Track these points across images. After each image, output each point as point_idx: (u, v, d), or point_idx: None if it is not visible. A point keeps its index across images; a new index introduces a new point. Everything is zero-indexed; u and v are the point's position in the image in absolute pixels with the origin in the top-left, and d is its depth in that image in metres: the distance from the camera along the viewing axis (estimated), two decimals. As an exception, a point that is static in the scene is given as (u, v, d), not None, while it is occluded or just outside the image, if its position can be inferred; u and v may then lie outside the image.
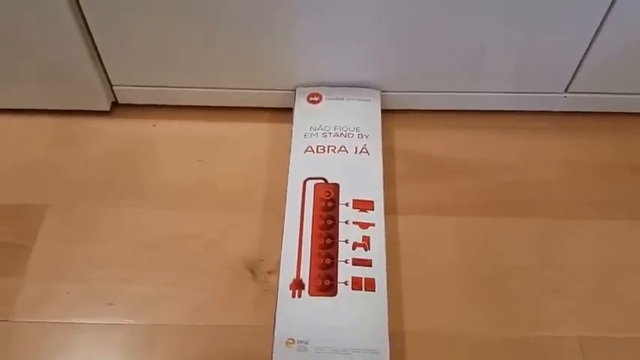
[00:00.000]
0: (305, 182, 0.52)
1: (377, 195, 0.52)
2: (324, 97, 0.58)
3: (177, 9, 0.51)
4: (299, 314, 0.46)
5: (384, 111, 0.58)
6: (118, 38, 0.54)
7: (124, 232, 0.52)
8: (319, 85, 0.58)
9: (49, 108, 0.59)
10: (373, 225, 0.50)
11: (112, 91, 0.59)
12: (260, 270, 0.50)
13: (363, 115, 0.57)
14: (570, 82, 0.57)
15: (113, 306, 0.48)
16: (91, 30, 0.53)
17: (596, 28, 0.52)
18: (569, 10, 0.50)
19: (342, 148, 0.55)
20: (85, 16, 0.51)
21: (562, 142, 0.59)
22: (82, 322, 0.48)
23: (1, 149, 0.58)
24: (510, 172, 0.57)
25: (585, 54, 0.54)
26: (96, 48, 0.54)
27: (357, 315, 0.46)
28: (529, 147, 0.59)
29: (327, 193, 0.52)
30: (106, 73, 0.57)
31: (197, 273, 0.50)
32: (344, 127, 0.56)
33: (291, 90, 0.59)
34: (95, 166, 0.57)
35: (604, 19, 0.51)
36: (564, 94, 0.58)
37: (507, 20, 0.51)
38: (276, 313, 0.46)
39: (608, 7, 0.50)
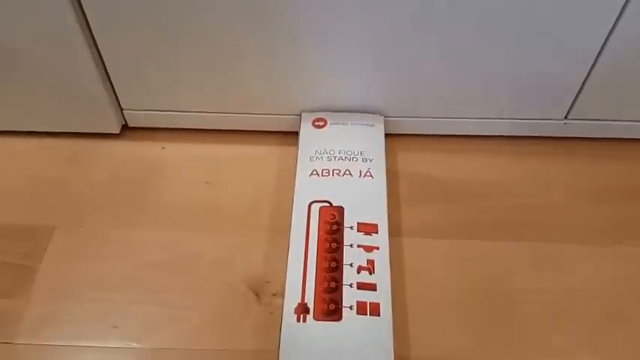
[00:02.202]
0: (310, 205, 0.50)
1: (381, 218, 0.49)
2: (328, 121, 0.56)
3: (187, 35, 0.49)
4: (304, 339, 0.42)
5: (387, 135, 0.55)
6: (129, 63, 0.52)
7: (130, 253, 0.49)
8: (324, 111, 0.56)
9: (59, 130, 0.57)
10: (377, 248, 0.47)
11: (122, 114, 0.57)
12: (265, 292, 0.47)
13: (367, 140, 0.54)
14: (570, 108, 0.55)
15: (118, 329, 0.45)
16: (102, 54, 0.51)
17: (595, 55, 0.50)
18: (569, 37, 0.48)
19: (347, 172, 0.52)
20: (96, 40, 0.49)
21: (565, 167, 0.56)
22: (86, 345, 0.44)
23: (12, 170, 0.56)
24: (514, 196, 0.54)
25: (585, 81, 0.52)
26: (107, 72, 0.52)
27: (362, 341, 0.42)
28: (532, 171, 0.56)
29: (332, 217, 0.49)
30: (116, 96, 0.55)
31: (202, 295, 0.47)
32: (348, 151, 0.53)
33: (297, 115, 0.56)
34: (104, 188, 0.54)
35: (603, 45, 0.49)
36: (564, 121, 0.56)
37: (508, 48, 0.49)
38: (281, 338, 0.42)
39: (607, 33, 0.48)
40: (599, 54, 0.49)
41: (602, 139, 0.57)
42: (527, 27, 0.48)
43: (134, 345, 0.44)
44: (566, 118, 0.56)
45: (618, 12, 0.46)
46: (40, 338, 0.45)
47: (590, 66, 0.51)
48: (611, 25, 0.47)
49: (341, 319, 0.43)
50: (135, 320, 0.46)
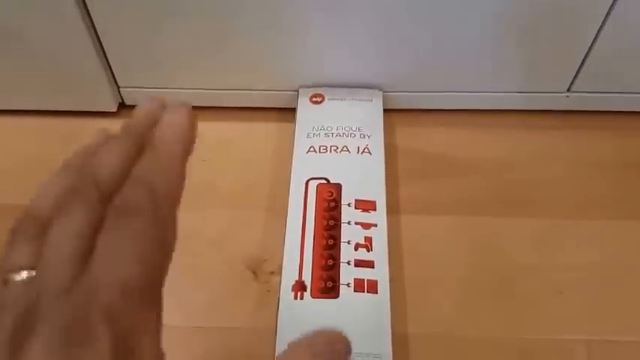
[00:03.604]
0: (307, 182, 0.48)
1: (379, 195, 0.47)
2: (326, 97, 0.54)
3: (184, 11, 0.47)
4: (301, 317, 0.41)
5: (386, 110, 0.53)
6: (125, 40, 0.50)
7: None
8: (322, 86, 0.54)
9: (54, 109, 0.55)
10: (375, 225, 0.46)
11: (119, 92, 0.55)
12: (262, 271, 0.46)
13: (365, 115, 0.53)
14: (573, 81, 0.53)
15: (115, 307, 0.44)
16: (98, 31, 0.49)
17: (598, 27, 0.48)
18: (571, 9, 0.46)
19: (345, 148, 0.50)
20: (92, 17, 0.48)
21: (567, 141, 0.54)
22: (83, 323, 0.44)
23: (6, 150, 0.54)
24: (515, 171, 0.52)
25: (587, 53, 0.50)
26: (103, 49, 0.51)
27: (359, 318, 0.42)
28: (533, 145, 0.54)
29: (330, 194, 0.47)
30: (112, 74, 0.53)
31: (198, 273, 0.46)
32: (346, 127, 0.52)
33: (294, 90, 0.55)
34: (100, 167, 0.53)
35: (606, 17, 0.47)
36: (567, 94, 0.54)
37: (509, 20, 0.47)
38: (278, 316, 0.41)
39: (610, 5, 0.46)
40: (601, 25, 0.47)
41: (606, 113, 0.55)
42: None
43: (132, 323, 0.44)
44: (568, 90, 0.54)
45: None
46: (38, 317, 0.44)
47: (592, 37, 0.49)
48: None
49: (338, 296, 0.42)
50: (132, 299, 0.45)
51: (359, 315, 0.42)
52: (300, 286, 0.43)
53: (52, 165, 0.54)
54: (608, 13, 0.46)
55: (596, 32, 0.48)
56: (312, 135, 0.51)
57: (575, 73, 0.52)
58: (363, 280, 0.43)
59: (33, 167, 0.53)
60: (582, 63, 0.51)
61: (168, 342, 0.42)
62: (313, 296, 0.42)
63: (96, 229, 0.20)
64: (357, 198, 0.47)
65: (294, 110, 0.54)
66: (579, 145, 0.54)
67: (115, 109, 0.56)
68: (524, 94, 0.54)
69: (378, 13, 0.48)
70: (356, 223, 0.46)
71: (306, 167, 0.49)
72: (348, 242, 0.45)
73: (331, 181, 0.48)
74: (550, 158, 0.53)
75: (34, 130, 0.55)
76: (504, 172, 0.52)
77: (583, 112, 0.55)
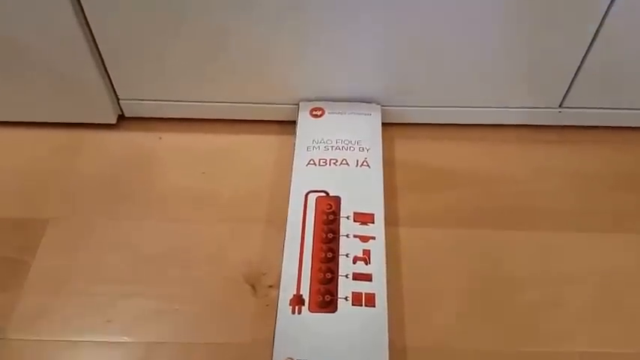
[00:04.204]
0: (307, 195, 0.48)
1: (377, 208, 0.47)
2: (326, 111, 0.54)
3: (184, 24, 0.47)
4: (298, 331, 0.41)
5: (384, 124, 0.53)
6: (125, 52, 0.50)
7: (125, 245, 0.48)
8: (322, 100, 0.54)
9: (54, 121, 0.55)
10: (374, 238, 0.45)
11: (119, 104, 0.55)
12: (261, 284, 0.45)
13: (364, 129, 0.52)
14: (564, 97, 0.53)
15: (112, 322, 0.43)
16: (98, 43, 0.49)
17: (588, 44, 0.48)
18: (561, 26, 0.47)
19: (344, 162, 0.50)
20: (92, 29, 0.47)
21: (561, 155, 0.54)
22: (79, 339, 0.43)
23: (6, 162, 0.54)
24: (512, 184, 0.52)
25: (578, 69, 0.50)
26: (103, 62, 0.50)
27: (357, 332, 0.41)
28: (529, 159, 0.54)
29: (329, 207, 0.47)
30: (112, 86, 0.53)
31: (197, 287, 0.45)
32: (345, 140, 0.51)
33: (295, 104, 0.54)
34: (100, 179, 0.52)
35: (595, 33, 0.47)
36: (559, 109, 0.54)
37: (502, 38, 0.48)
38: (275, 330, 0.41)
39: (599, 22, 0.46)
40: (591, 42, 0.48)
41: (598, 127, 0.55)
42: (519, 16, 0.46)
43: (128, 339, 0.43)
44: (560, 106, 0.54)
45: (609, 2, 0.45)
46: (32, 333, 0.43)
47: (583, 54, 0.49)
48: (602, 14, 0.45)
49: (336, 310, 0.42)
50: (129, 314, 0.44)
51: (357, 329, 0.41)
52: (298, 301, 0.42)
53: (50, 177, 0.54)
54: (597, 31, 0.47)
55: (586, 50, 0.48)
56: (311, 148, 0.51)
57: (566, 89, 0.52)
58: (361, 293, 0.42)
59: (32, 179, 0.52)
60: (573, 79, 0.51)
61: (167, 357, 0.42)
62: (311, 310, 0.42)
63: None
64: (356, 211, 0.47)
65: (294, 123, 0.53)
66: (573, 159, 0.54)
67: (114, 122, 0.55)
68: (518, 109, 0.54)
69: (378, 30, 0.48)
70: (354, 236, 0.45)
71: (306, 180, 0.49)
72: (347, 255, 0.44)
73: (330, 194, 0.48)
74: (546, 172, 0.53)
75: (33, 141, 0.55)
76: (501, 185, 0.52)
77: (576, 127, 0.55)
